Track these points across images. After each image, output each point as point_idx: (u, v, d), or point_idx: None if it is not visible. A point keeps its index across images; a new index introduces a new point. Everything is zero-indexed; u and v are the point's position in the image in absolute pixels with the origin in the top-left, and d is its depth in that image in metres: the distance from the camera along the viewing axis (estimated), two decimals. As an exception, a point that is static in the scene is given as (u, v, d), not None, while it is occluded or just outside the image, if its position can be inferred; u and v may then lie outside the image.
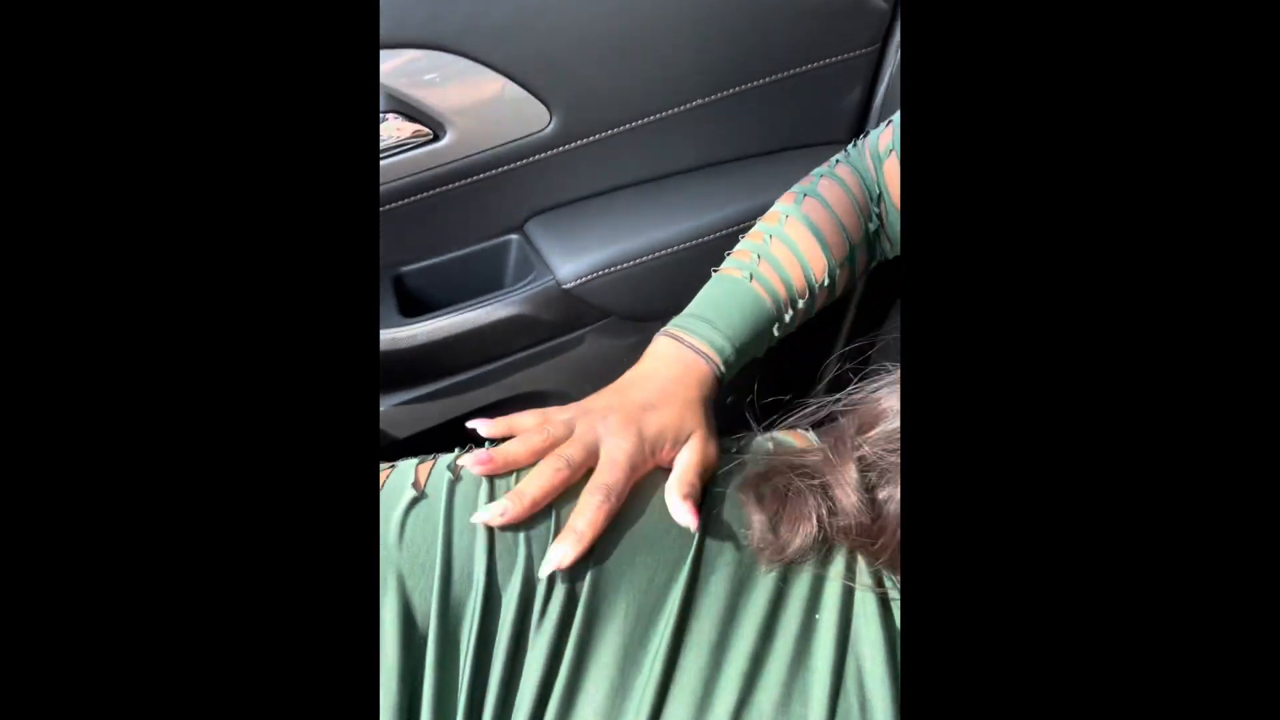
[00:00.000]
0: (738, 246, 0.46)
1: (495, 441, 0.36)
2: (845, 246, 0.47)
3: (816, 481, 0.34)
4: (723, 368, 0.42)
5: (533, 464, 0.34)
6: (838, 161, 0.51)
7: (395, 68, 0.49)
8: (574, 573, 0.31)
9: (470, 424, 0.36)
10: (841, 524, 0.32)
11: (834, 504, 0.33)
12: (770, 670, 0.31)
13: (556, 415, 0.37)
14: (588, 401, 0.39)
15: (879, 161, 0.48)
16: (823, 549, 0.33)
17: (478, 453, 0.33)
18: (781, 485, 0.34)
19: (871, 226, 0.48)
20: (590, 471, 0.34)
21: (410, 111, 0.51)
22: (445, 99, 0.52)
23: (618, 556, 0.32)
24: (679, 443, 0.37)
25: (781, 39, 0.58)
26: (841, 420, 0.37)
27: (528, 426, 0.36)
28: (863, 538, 0.32)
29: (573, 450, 0.34)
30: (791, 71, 0.60)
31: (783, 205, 0.48)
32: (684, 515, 0.33)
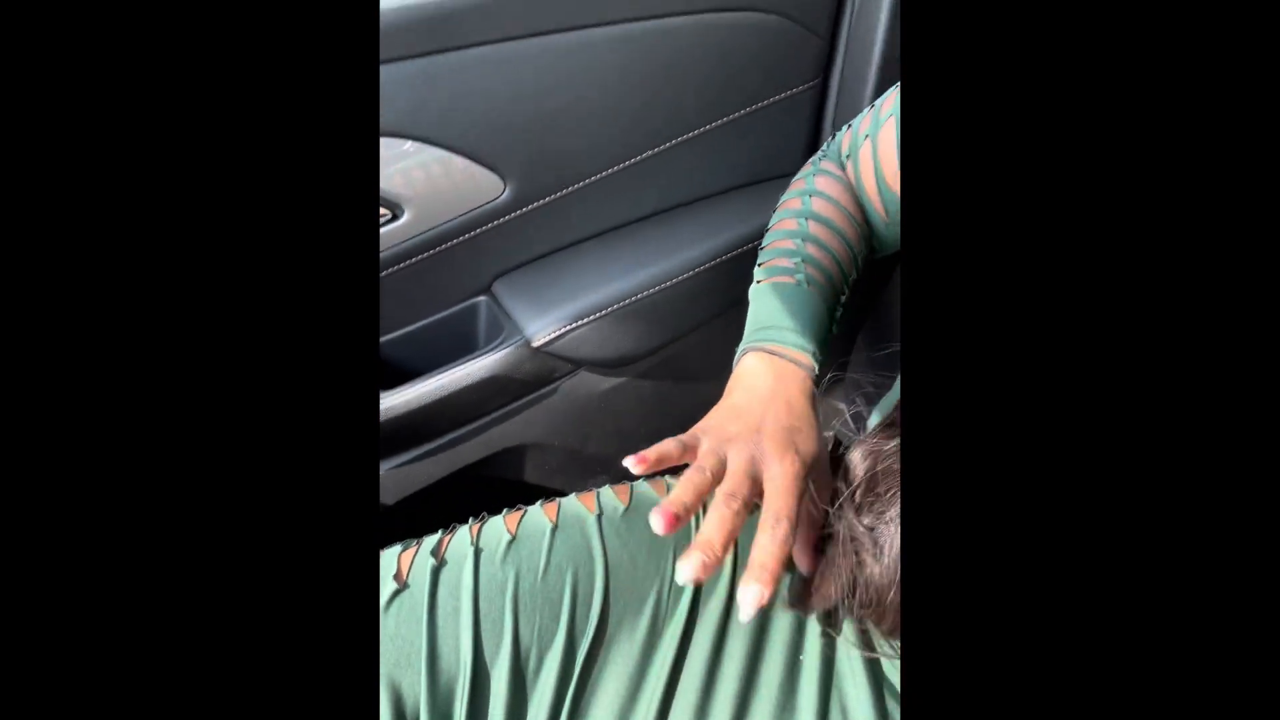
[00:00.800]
0: (769, 254, 0.47)
1: (491, 510, 0.36)
2: (859, 235, 0.48)
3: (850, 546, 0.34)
4: (815, 370, 0.42)
5: (698, 502, 0.33)
6: (822, 158, 0.52)
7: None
8: (569, 639, 0.32)
9: (625, 462, 0.34)
10: (841, 584, 0.32)
11: (862, 567, 0.33)
12: (756, 714, 0.32)
13: (701, 445, 0.36)
14: (720, 427, 0.38)
15: (847, 163, 0.49)
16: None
17: (656, 511, 0.31)
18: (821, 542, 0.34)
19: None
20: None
21: (366, 196, 0.53)
22: (399, 180, 0.53)
23: (616, 614, 0.33)
24: (817, 469, 0.37)
25: (724, 85, 0.60)
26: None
27: (672, 455, 0.35)
28: (850, 591, 0.33)
29: (740, 488, 0.33)
30: (738, 114, 0.62)
31: (792, 210, 0.48)
32: (805, 561, 0.33)
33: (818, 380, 0.42)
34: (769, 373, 0.41)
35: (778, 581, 0.31)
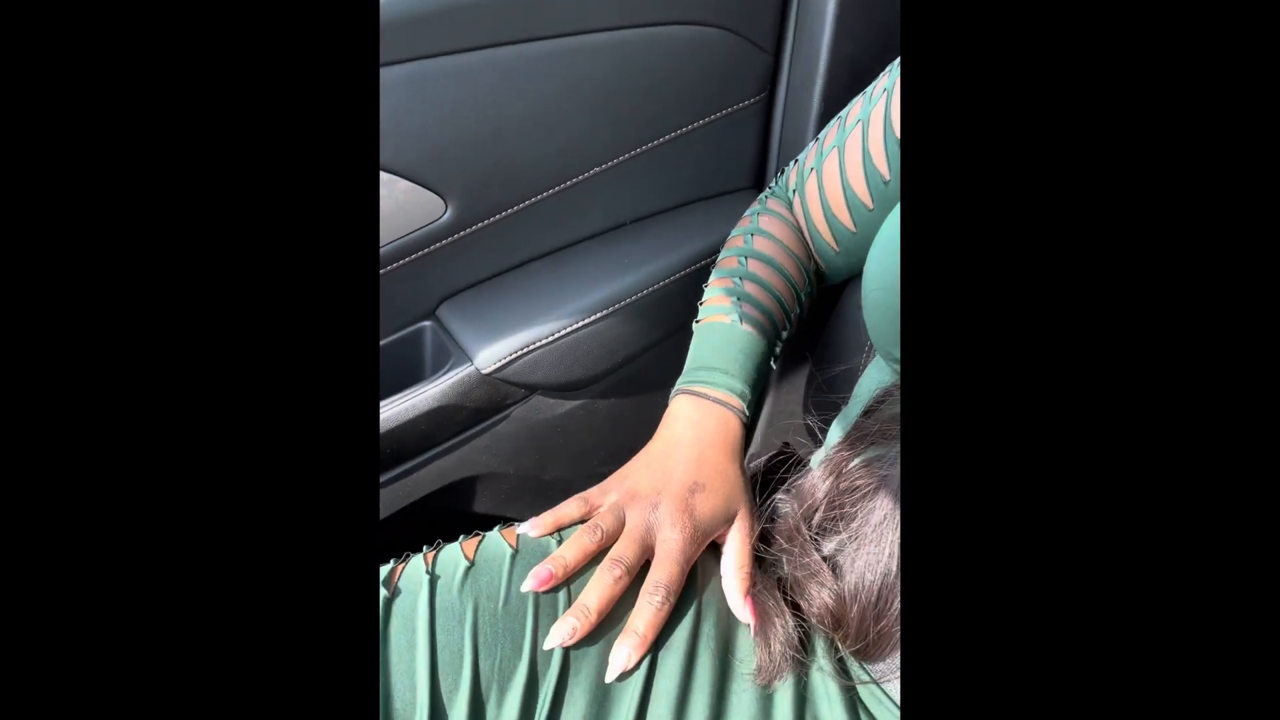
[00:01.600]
0: (709, 294, 0.48)
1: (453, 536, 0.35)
2: (802, 273, 0.49)
3: (781, 593, 0.35)
4: (746, 412, 0.43)
5: (585, 564, 0.34)
6: (768, 197, 0.52)
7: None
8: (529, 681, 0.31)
9: (520, 529, 0.36)
10: (815, 613, 0.33)
11: (808, 599, 0.33)
12: None
13: (603, 501, 0.38)
14: (632, 480, 0.39)
15: (794, 198, 0.50)
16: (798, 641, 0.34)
17: (536, 570, 0.32)
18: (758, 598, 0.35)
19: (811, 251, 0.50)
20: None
21: (296, 221, 0.50)
22: (332, 204, 0.50)
23: (581, 644, 0.32)
24: (728, 522, 0.38)
25: (671, 99, 0.59)
26: (785, 510, 0.37)
27: (572, 517, 0.37)
28: (832, 621, 0.33)
29: (627, 553, 0.35)
30: (686, 128, 0.61)
31: (734, 248, 0.49)
32: (746, 613, 0.34)
33: (749, 419, 0.43)
34: (692, 419, 0.42)
35: (648, 647, 0.32)
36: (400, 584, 0.31)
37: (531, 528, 0.36)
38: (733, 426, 0.42)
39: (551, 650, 0.31)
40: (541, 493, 0.70)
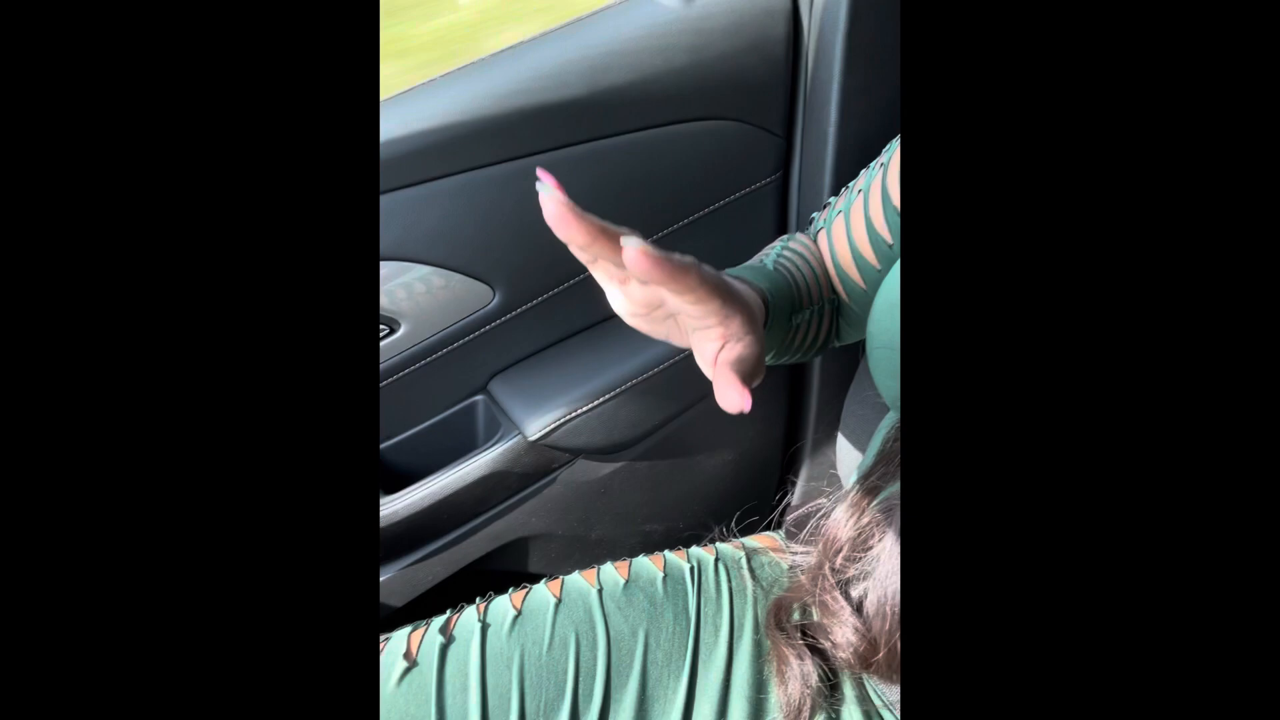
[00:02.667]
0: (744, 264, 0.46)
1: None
2: (827, 283, 0.49)
3: (804, 636, 0.35)
4: (768, 307, 0.40)
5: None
6: (790, 239, 0.54)
7: (346, 282, 0.55)
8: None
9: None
10: (843, 656, 0.34)
11: (834, 640, 0.35)
12: None
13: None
14: None
15: (820, 235, 0.52)
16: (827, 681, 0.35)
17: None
18: (777, 646, 0.36)
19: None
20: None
21: (365, 315, 0.57)
22: (394, 298, 0.57)
23: (618, 685, 0.34)
24: (748, 318, 0.33)
25: (691, 186, 0.65)
26: (809, 556, 0.40)
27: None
28: (859, 660, 0.34)
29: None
30: (707, 210, 0.66)
31: (762, 254, 0.49)
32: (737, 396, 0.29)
33: (770, 309, 0.40)
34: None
35: (654, 254, 0.28)
36: (455, 631, 0.35)
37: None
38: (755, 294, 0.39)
39: (592, 691, 0.34)
40: (588, 551, 0.74)
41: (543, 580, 0.39)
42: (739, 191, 0.67)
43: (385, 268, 0.56)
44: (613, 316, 0.69)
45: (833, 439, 0.74)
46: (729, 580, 0.41)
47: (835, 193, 0.67)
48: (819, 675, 0.35)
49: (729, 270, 0.43)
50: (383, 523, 0.61)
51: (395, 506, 0.61)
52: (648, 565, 0.40)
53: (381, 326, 0.58)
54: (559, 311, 0.65)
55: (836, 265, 0.50)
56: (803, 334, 0.47)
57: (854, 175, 0.54)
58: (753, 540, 0.49)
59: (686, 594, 0.39)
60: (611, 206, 0.62)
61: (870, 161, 0.51)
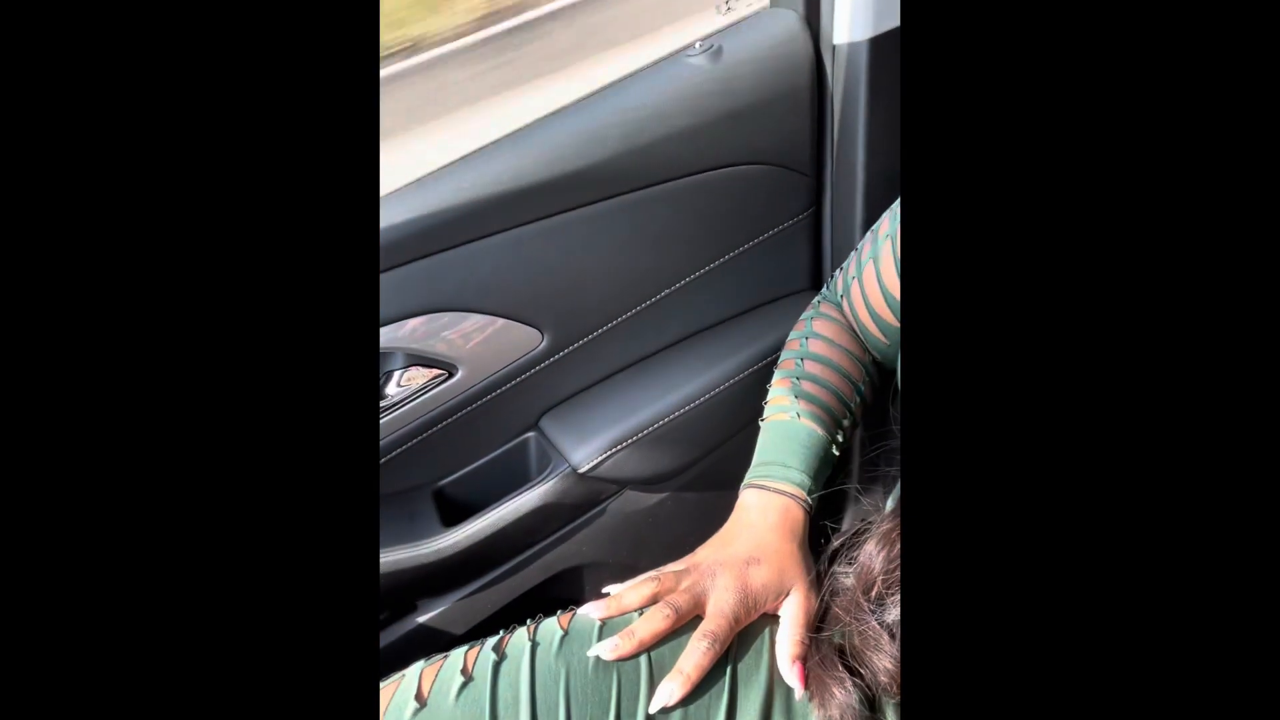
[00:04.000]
0: (771, 394, 0.53)
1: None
2: (857, 366, 0.54)
3: (844, 664, 0.38)
4: (809, 500, 0.48)
5: (643, 609, 0.40)
6: (820, 301, 0.58)
7: (406, 332, 0.60)
8: None
9: (580, 611, 0.41)
10: (883, 681, 0.36)
11: (871, 668, 0.36)
12: None
13: (669, 569, 0.43)
14: (698, 556, 0.44)
15: (843, 301, 0.56)
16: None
17: (609, 640, 0.38)
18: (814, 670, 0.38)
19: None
20: (697, 621, 0.40)
21: (425, 361, 0.62)
22: (451, 345, 0.62)
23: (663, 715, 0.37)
24: (781, 595, 0.42)
25: (726, 228, 0.68)
26: (847, 584, 0.41)
27: (635, 604, 0.41)
28: (897, 689, 0.36)
29: (680, 600, 0.40)
30: (742, 248, 0.69)
31: (791, 351, 0.55)
32: (794, 678, 0.38)
33: (812, 505, 0.47)
34: (757, 507, 0.47)
35: (692, 687, 0.37)
36: (507, 650, 0.38)
37: (594, 609, 0.41)
38: (794, 513, 0.46)
39: (635, 711, 0.37)
40: (639, 579, 0.76)
41: (588, 604, 0.42)
42: (772, 230, 0.70)
43: (444, 317, 0.60)
44: (655, 353, 0.72)
45: (878, 461, 0.75)
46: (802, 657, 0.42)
47: (867, 224, 0.70)
48: (859, 698, 0.37)
49: (764, 461, 0.49)
50: (441, 555, 0.65)
51: (454, 539, 0.64)
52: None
53: (440, 371, 0.63)
54: (603, 351, 0.69)
55: (872, 313, 0.53)
56: (845, 438, 0.53)
57: (884, 205, 0.56)
58: None
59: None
60: (650, 251, 0.65)
61: (896, 195, 0.54)
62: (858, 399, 0.54)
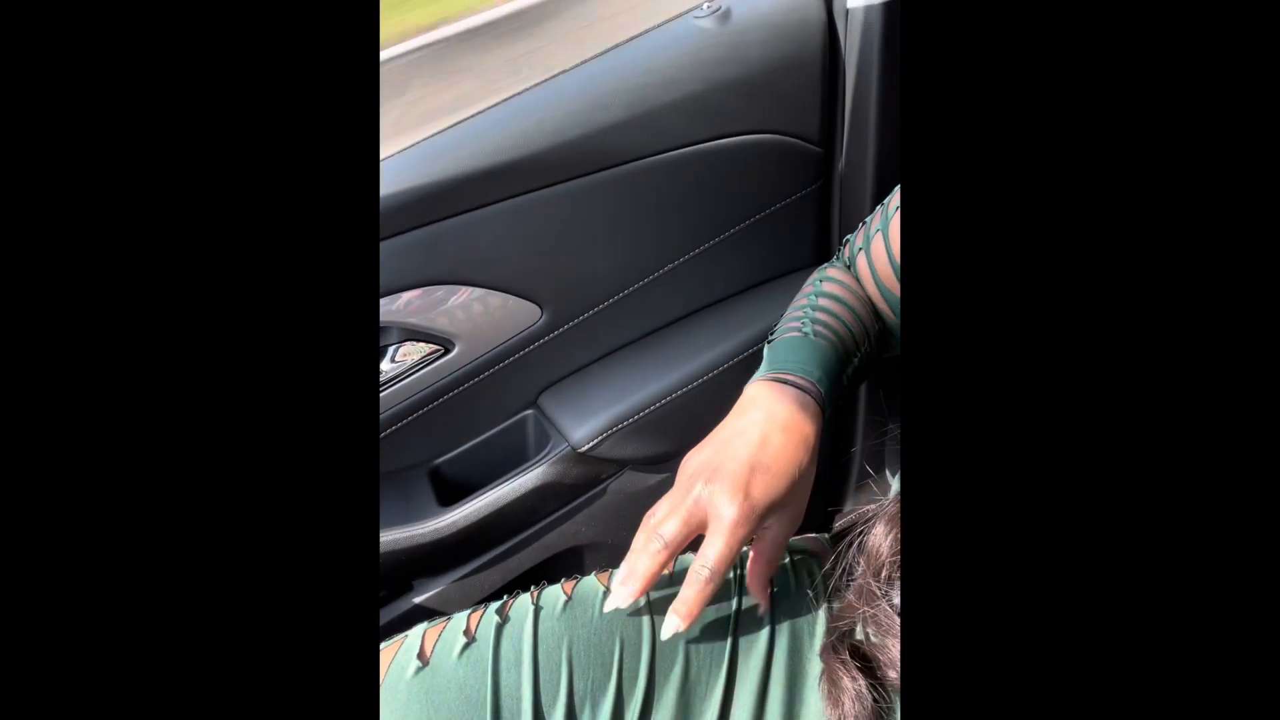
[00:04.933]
0: (780, 329, 0.48)
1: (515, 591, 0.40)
2: (869, 313, 0.49)
3: (853, 658, 0.36)
4: (825, 397, 0.41)
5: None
6: (827, 267, 0.55)
7: (401, 305, 0.58)
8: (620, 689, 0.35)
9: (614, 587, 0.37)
10: (893, 675, 0.34)
11: (888, 654, 0.35)
12: None
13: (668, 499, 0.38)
14: (694, 460, 0.39)
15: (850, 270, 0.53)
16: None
17: (619, 577, 0.36)
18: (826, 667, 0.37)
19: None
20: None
21: (421, 336, 0.60)
22: (448, 319, 0.59)
23: (663, 671, 0.36)
24: (785, 510, 0.37)
25: (733, 199, 0.65)
26: (857, 572, 0.40)
27: (653, 570, 0.36)
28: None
29: (671, 529, 0.36)
30: (748, 221, 0.67)
31: (805, 293, 0.51)
32: (760, 601, 0.37)
33: (825, 408, 0.41)
34: (764, 401, 0.40)
35: (694, 619, 0.35)
36: (510, 613, 0.37)
37: (622, 599, 0.37)
38: (809, 409, 0.40)
39: (637, 674, 0.36)
40: (639, 559, 0.75)
41: (592, 572, 0.41)
42: (780, 202, 0.68)
43: (439, 291, 0.58)
44: (656, 330, 0.70)
45: (882, 447, 0.74)
46: (771, 579, 0.41)
47: (878, 198, 0.67)
48: (870, 694, 0.36)
49: (773, 364, 0.44)
50: (440, 535, 0.63)
51: (452, 518, 0.63)
52: (689, 559, 0.41)
53: (436, 347, 0.61)
54: (604, 327, 0.67)
55: (879, 285, 0.50)
56: (856, 377, 0.48)
57: (897, 177, 0.54)
58: (798, 540, 0.49)
59: (729, 588, 0.40)
60: (654, 223, 0.63)
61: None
62: (867, 346, 0.49)
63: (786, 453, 0.38)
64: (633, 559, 0.37)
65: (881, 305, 0.51)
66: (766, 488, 0.37)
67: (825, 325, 0.46)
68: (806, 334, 0.45)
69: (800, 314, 0.49)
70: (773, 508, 0.37)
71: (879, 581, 0.36)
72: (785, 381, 0.41)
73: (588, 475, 0.67)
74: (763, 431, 0.39)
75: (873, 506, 0.48)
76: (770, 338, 0.51)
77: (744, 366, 0.69)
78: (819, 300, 0.49)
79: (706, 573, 0.35)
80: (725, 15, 0.59)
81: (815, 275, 0.55)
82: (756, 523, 0.37)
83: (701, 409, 0.69)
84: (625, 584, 0.36)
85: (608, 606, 0.36)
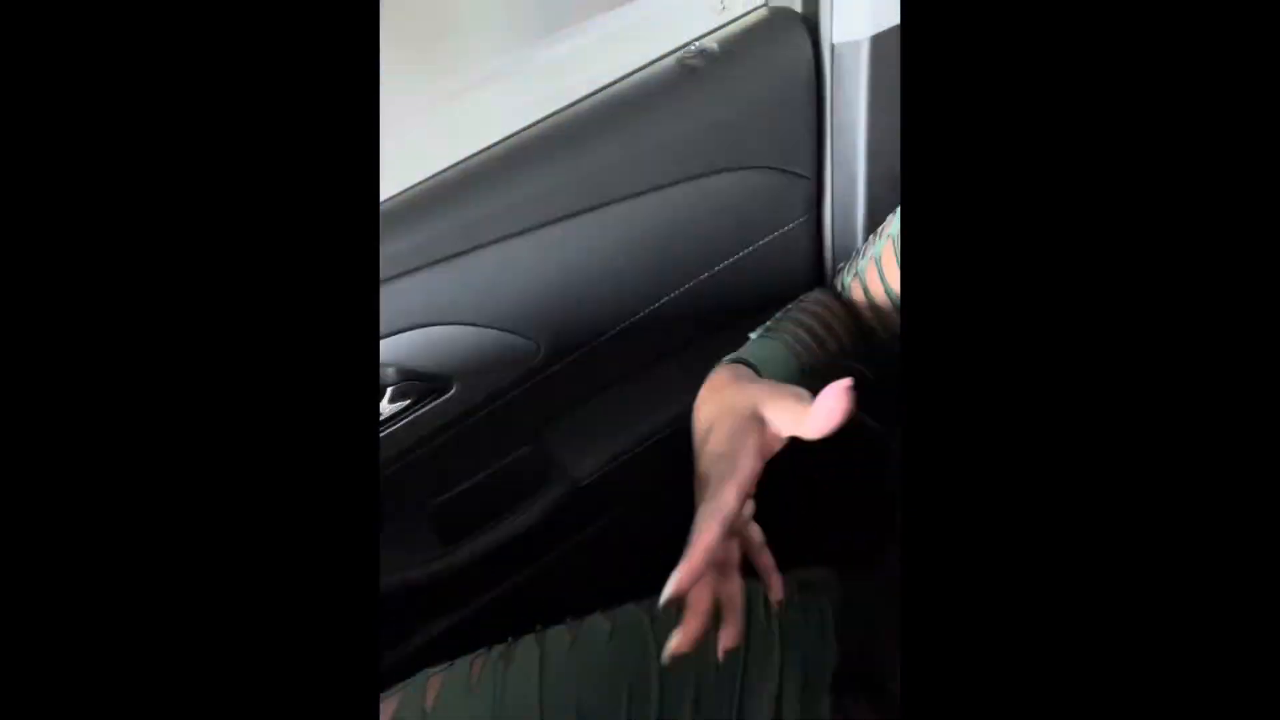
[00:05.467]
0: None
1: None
2: (841, 319, 0.51)
3: (867, 694, 0.37)
4: (754, 362, 0.42)
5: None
6: (815, 290, 0.56)
7: (399, 346, 0.58)
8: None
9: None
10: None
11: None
12: None
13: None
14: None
15: (842, 296, 0.54)
16: None
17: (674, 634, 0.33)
18: None
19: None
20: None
21: (419, 377, 0.60)
22: (446, 359, 0.60)
23: (671, 711, 0.36)
24: (734, 460, 0.34)
25: (723, 234, 0.66)
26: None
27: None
28: None
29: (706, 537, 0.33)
30: (739, 254, 0.68)
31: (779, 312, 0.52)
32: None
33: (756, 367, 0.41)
34: (709, 382, 0.41)
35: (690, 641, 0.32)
36: (515, 657, 0.38)
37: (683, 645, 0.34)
38: (739, 370, 0.41)
39: (647, 716, 0.36)
40: (642, 592, 0.75)
41: (597, 611, 0.41)
42: (772, 234, 0.68)
43: (437, 331, 0.59)
44: (652, 364, 0.71)
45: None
46: (779, 610, 0.41)
47: (869, 226, 0.68)
48: None
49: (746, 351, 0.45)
50: (442, 573, 0.63)
51: (454, 557, 0.63)
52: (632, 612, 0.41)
53: (436, 387, 0.61)
54: (602, 361, 0.67)
55: (874, 308, 0.51)
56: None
57: (887, 210, 0.55)
58: (807, 574, 0.49)
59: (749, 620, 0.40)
60: (648, 258, 0.64)
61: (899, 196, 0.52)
62: (839, 345, 0.50)
63: (727, 402, 0.37)
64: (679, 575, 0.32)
65: (875, 326, 0.52)
66: (716, 447, 0.35)
67: (789, 327, 0.48)
68: (758, 335, 0.47)
69: (768, 324, 0.50)
70: (722, 461, 0.35)
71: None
72: (733, 363, 0.42)
73: (589, 509, 0.67)
74: (714, 415, 0.37)
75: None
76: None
77: (742, 396, 0.69)
78: (789, 312, 0.50)
79: (682, 574, 0.32)
80: (713, 56, 0.61)
81: (795, 302, 0.56)
82: (722, 516, 0.34)
83: (701, 440, 0.69)
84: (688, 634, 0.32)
85: (670, 652, 0.32)
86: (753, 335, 0.50)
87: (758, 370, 0.41)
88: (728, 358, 0.46)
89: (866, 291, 0.52)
